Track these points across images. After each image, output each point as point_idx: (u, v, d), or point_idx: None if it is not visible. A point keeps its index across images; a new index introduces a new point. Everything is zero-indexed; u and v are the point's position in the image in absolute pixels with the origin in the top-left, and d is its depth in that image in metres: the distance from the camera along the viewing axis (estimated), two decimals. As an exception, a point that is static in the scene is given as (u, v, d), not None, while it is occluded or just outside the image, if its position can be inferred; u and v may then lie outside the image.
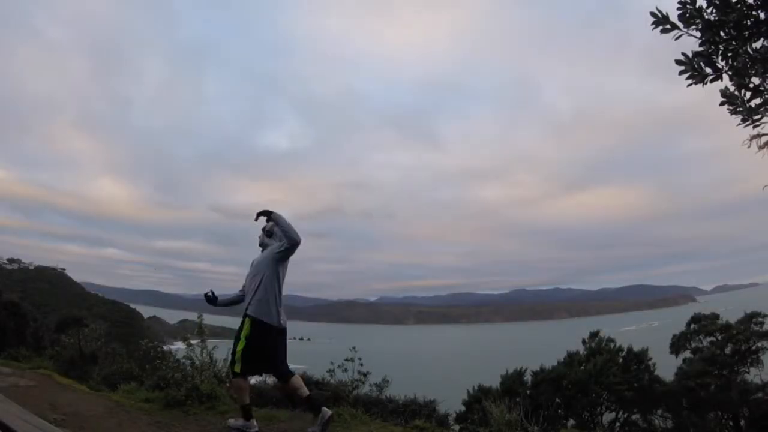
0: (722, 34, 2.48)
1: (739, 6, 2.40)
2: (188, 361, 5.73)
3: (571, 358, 9.11)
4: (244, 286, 4.19)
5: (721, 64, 2.54)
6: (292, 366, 4.12)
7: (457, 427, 7.50)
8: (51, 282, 66.41)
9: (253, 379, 6.03)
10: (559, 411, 8.22)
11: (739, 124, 2.56)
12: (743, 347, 8.55)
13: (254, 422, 4.03)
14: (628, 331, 63.53)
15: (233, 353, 3.93)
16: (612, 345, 9.12)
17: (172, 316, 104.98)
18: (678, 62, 2.56)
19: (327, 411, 3.89)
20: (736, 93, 2.52)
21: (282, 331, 4.03)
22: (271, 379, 6.10)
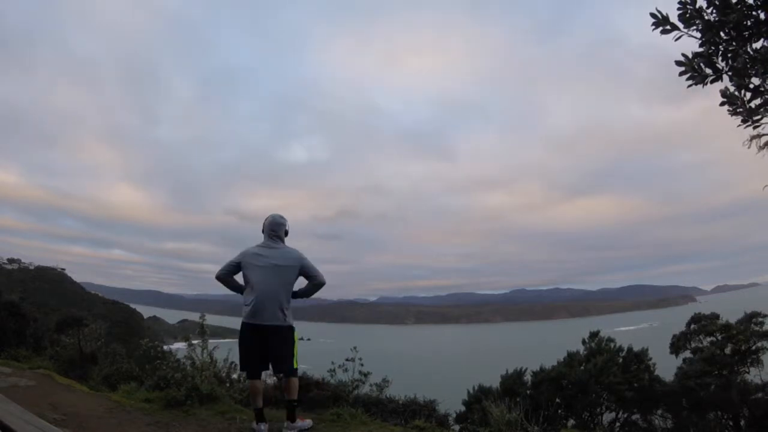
0: (722, 34, 2.49)
1: (739, 6, 2.40)
2: (189, 361, 5.73)
3: (571, 358, 9.09)
4: None
5: (721, 64, 2.54)
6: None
7: (457, 427, 7.48)
8: (51, 282, 66.32)
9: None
10: (560, 411, 8.21)
11: (739, 125, 2.56)
12: (743, 347, 8.53)
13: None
14: (628, 331, 63.50)
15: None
16: (612, 345, 9.10)
17: (172, 316, 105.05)
18: (678, 63, 2.56)
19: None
20: (736, 93, 2.52)
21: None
22: (270, 380, 6.12)
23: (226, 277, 4.24)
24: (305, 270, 4.19)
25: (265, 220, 4.37)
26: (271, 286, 4.04)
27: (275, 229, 4.29)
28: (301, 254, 4.24)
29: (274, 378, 5.95)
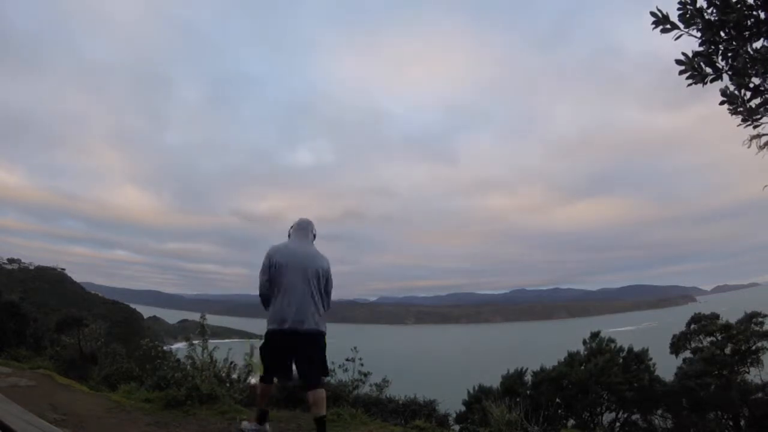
0: (722, 34, 2.49)
1: (739, 6, 2.40)
2: (189, 361, 5.74)
3: (572, 358, 9.07)
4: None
5: (721, 64, 2.54)
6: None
7: (457, 427, 7.48)
8: (51, 282, 66.27)
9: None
10: (560, 411, 8.21)
11: (740, 125, 2.56)
12: (743, 347, 8.52)
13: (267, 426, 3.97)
14: (628, 331, 63.44)
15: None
16: (613, 345, 9.09)
17: (172, 316, 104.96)
18: (678, 62, 2.56)
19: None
20: (736, 93, 2.52)
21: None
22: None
23: None
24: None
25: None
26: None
27: (306, 228, 4.12)
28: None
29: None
